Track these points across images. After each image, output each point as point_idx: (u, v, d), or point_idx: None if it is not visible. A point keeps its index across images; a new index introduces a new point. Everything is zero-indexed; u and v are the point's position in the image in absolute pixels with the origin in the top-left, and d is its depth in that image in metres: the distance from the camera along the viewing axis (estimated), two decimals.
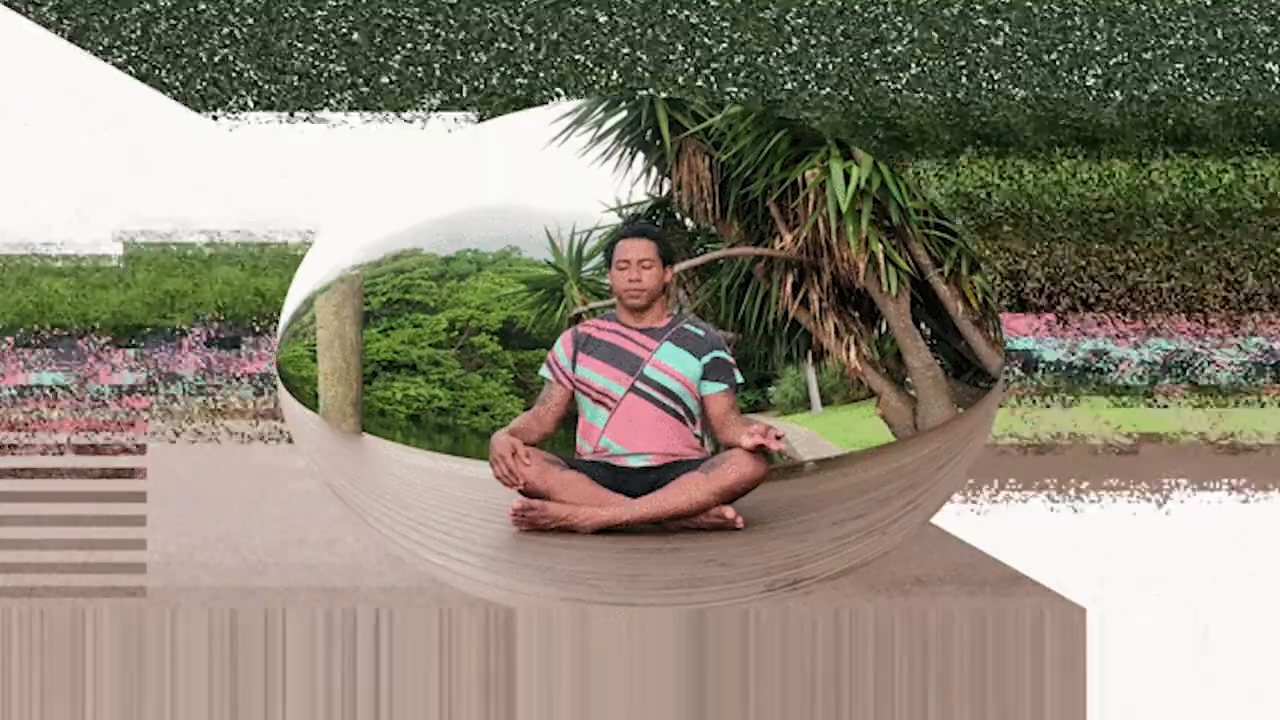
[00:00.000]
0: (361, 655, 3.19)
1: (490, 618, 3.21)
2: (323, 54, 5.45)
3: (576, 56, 4.90)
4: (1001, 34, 4.34)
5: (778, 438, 3.87)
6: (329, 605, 3.38)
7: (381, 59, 5.46)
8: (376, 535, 4.12)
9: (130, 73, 5.81)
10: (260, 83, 5.50)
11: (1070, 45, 4.46)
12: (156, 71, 5.67)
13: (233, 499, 4.92)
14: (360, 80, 5.43)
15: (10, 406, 5.87)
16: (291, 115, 5.74)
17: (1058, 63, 4.42)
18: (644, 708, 3.10)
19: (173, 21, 5.49)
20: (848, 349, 5.67)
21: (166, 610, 3.32)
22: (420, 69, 5.41)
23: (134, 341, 6.00)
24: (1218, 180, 5.18)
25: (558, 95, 5.48)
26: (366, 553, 3.95)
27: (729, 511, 3.90)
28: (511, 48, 4.98)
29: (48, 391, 5.90)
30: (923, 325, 5.70)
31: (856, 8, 4.26)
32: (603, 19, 5.02)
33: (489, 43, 5.07)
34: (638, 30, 5.10)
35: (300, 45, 5.31)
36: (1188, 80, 4.70)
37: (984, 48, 4.37)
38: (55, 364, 5.98)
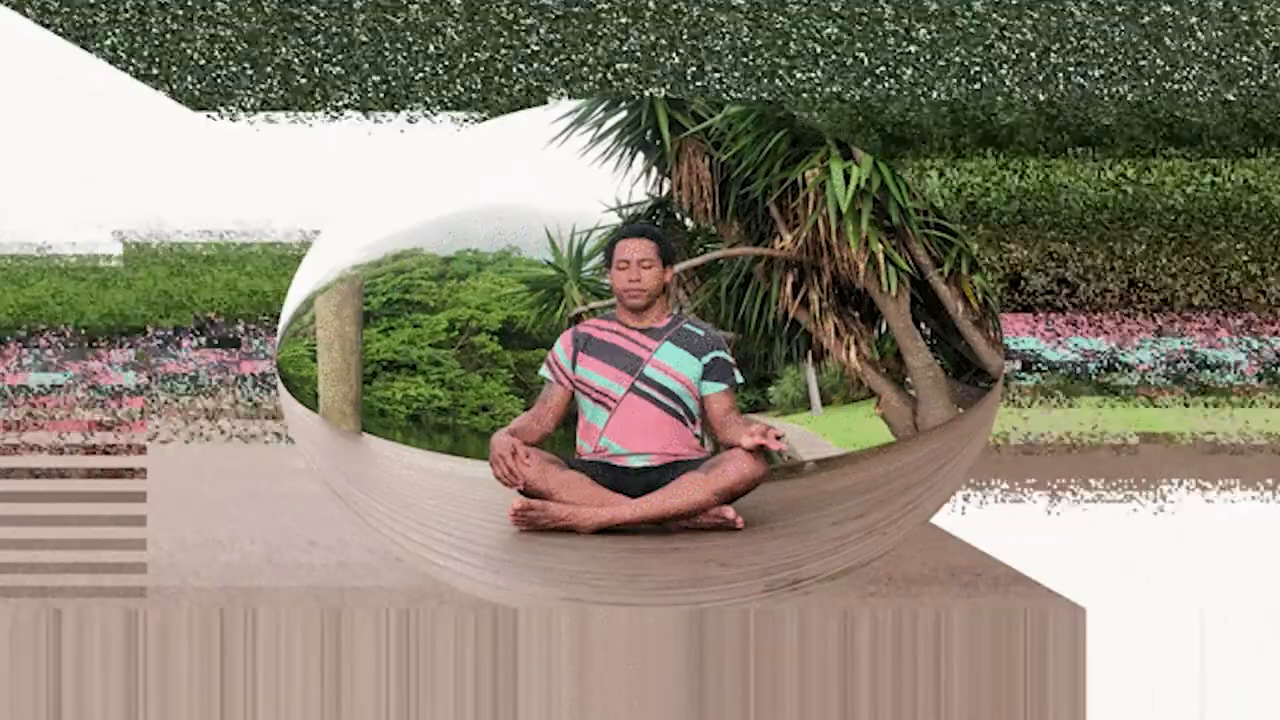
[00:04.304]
0: (361, 655, 3.19)
1: (490, 618, 3.21)
2: (323, 54, 5.44)
3: (577, 57, 4.90)
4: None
5: (778, 438, 3.87)
6: (329, 605, 3.38)
7: (381, 59, 5.46)
8: (376, 535, 4.12)
9: (130, 73, 5.80)
10: (260, 82, 5.50)
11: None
12: (156, 71, 5.66)
13: (233, 499, 4.92)
14: (360, 80, 5.43)
15: (10, 406, 5.87)
16: (292, 115, 5.73)
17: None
18: (644, 708, 3.10)
19: (172, 21, 5.49)
20: (848, 349, 5.66)
21: (166, 610, 3.32)
22: (420, 69, 5.40)
23: (134, 341, 6.00)
24: None
25: (558, 95, 5.48)
26: (366, 552, 3.95)
27: (729, 511, 3.90)
28: (512, 48, 4.98)
29: (48, 391, 5.90)
30: (923, 325, 5.69)
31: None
32: (605, 19, 5.02)
33: (489, 43, 5.07)
34: (639, 31, 5.10)
35: (300, 45, 5.31)
36: None
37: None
38: (55, 364, 5.97)
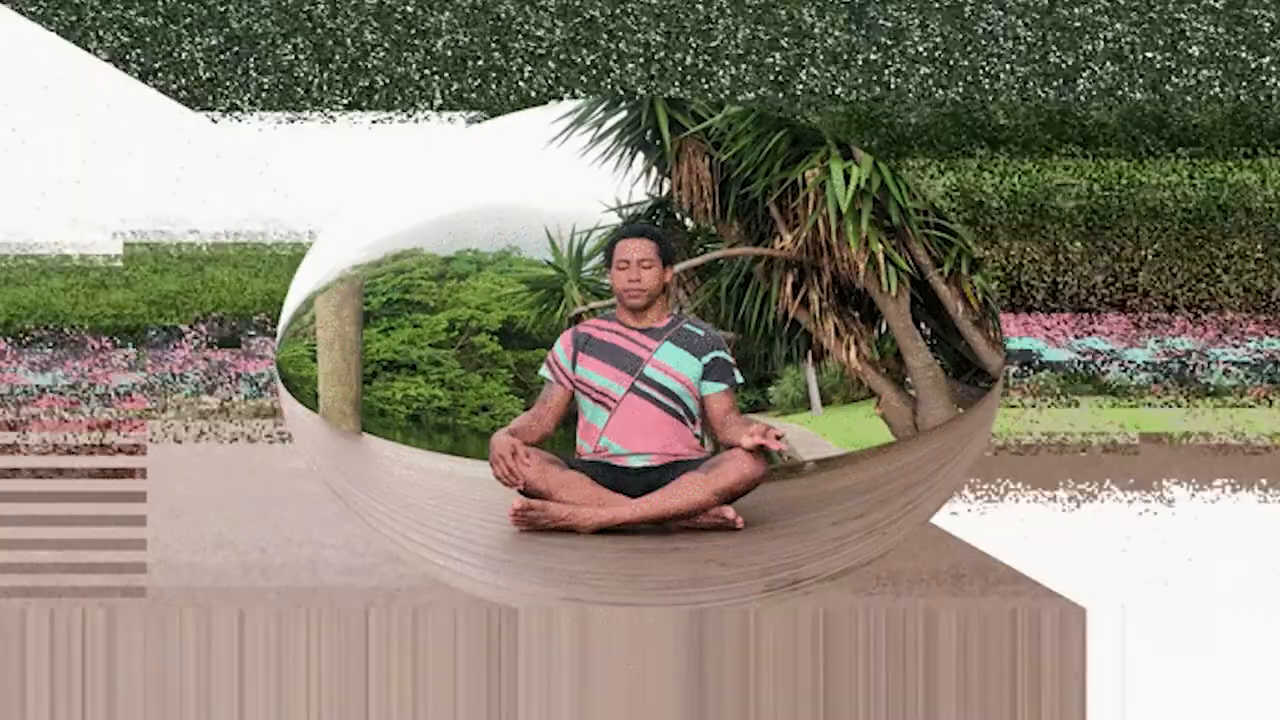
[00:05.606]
0: (361, 655, 3.19)
1: (490, 618, 3.21)
2: (322, 54, 5.44)
3: (577, 57, 4.90)
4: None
5: (778, 438, 3.87)
6: (329, 605, 3.38)
7: (382, 59, 5.46)
8: (376, 535, 4.12)
9: (130, 73, 5.80)
10: (259, 83, 5.50)
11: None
12: (156, 71, 5.66)
13: (233, 499, 4.92)
14: (359, 80, 5.43)
15: (11, 407, 5.87)
16: (291, 115, 5.73)
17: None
18: (644, 708, 3.10)
19: (173, 22, 5.49)
20: (848, 349, 5.66)
21: (166, 610, 3.32)
22: (421, 69, 5.40)
23: (134, 341, 6.00)
24: None
25: (558, 95, 5.48)
26: (366, 553, 3.95)
27: (729, 511, 3.90)
28: (513, 48, 4.98)
29: (48, 391, 5.90)
30: (923, 325, 5.70)
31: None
32: (605, 20, 5.02)
33: (491, 43, 5.07)
34: (639, 31, 5.10)
35: (300, 45, 5.31)
36: None
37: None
38: (55, 364, 5.97)
